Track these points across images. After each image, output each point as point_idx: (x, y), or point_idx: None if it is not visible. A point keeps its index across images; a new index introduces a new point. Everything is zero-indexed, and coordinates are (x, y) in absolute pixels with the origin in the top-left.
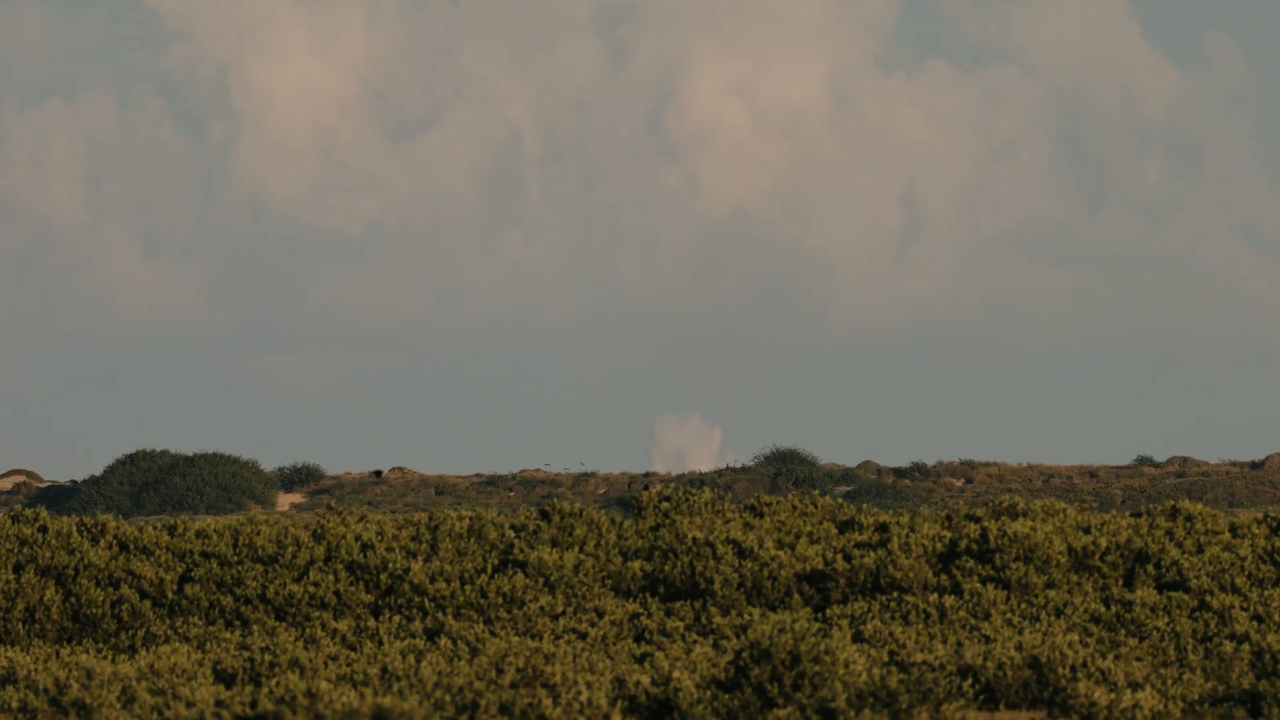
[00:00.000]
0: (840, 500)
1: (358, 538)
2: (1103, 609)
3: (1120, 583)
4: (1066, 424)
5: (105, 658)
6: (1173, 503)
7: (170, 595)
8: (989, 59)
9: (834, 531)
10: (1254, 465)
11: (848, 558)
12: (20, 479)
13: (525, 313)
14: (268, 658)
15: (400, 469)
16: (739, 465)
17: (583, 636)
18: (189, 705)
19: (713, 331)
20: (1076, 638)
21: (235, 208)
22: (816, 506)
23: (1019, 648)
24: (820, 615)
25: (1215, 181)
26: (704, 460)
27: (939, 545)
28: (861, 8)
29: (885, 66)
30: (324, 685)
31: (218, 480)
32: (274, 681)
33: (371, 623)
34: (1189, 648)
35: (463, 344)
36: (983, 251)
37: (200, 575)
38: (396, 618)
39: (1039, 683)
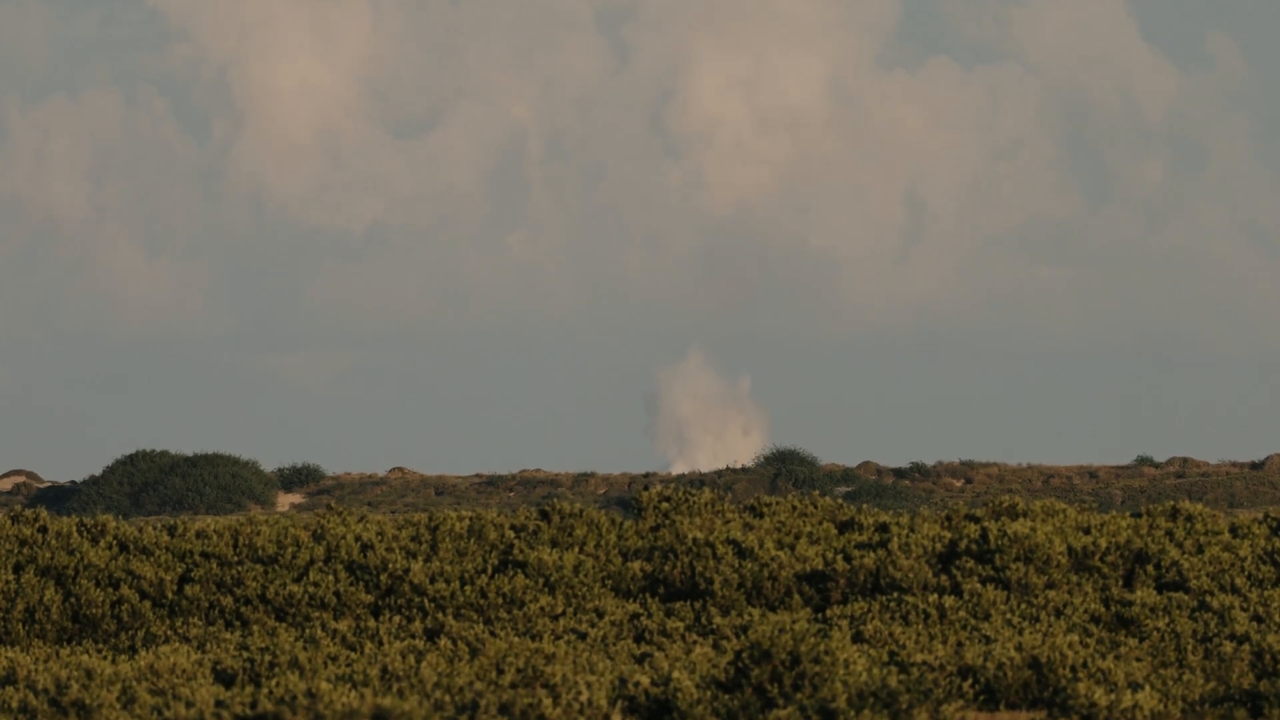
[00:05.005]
0: (840, 500)
1: (357, 538)
2: (1103, 609)
3: (1120, 583)
4: (1066, 424)
5: (105, 658)
6: (1173, 503)
7: (170, 595)
8: (990, 58)
9: (834, 532)
10: (1254, 465)
11: (848, 558)
12: (20, 479)
13: (527, 312)
14: (267, 658)
15: (400, 469)
16: (739, 465)
17: (583, 637)
18: (189, 705)
19: (714, 331)
20: (1076, 638)
21: (238, 207)
22: (816, 507)
23: (1019, 648)
24: (820, 615)
25: (1217, 180)
26: (732, 410)
27: (939, 545)
28: (862, 7)
29: (886, 65)
30: (324, 685)
31: (218, 480)
32: (274, 682)
33: (371, 623)
34: (1189, 648)
35: (464, 344)
36: (985, 251)
37: (200, 575)
38: (396, 618)
39: (1039, 683)
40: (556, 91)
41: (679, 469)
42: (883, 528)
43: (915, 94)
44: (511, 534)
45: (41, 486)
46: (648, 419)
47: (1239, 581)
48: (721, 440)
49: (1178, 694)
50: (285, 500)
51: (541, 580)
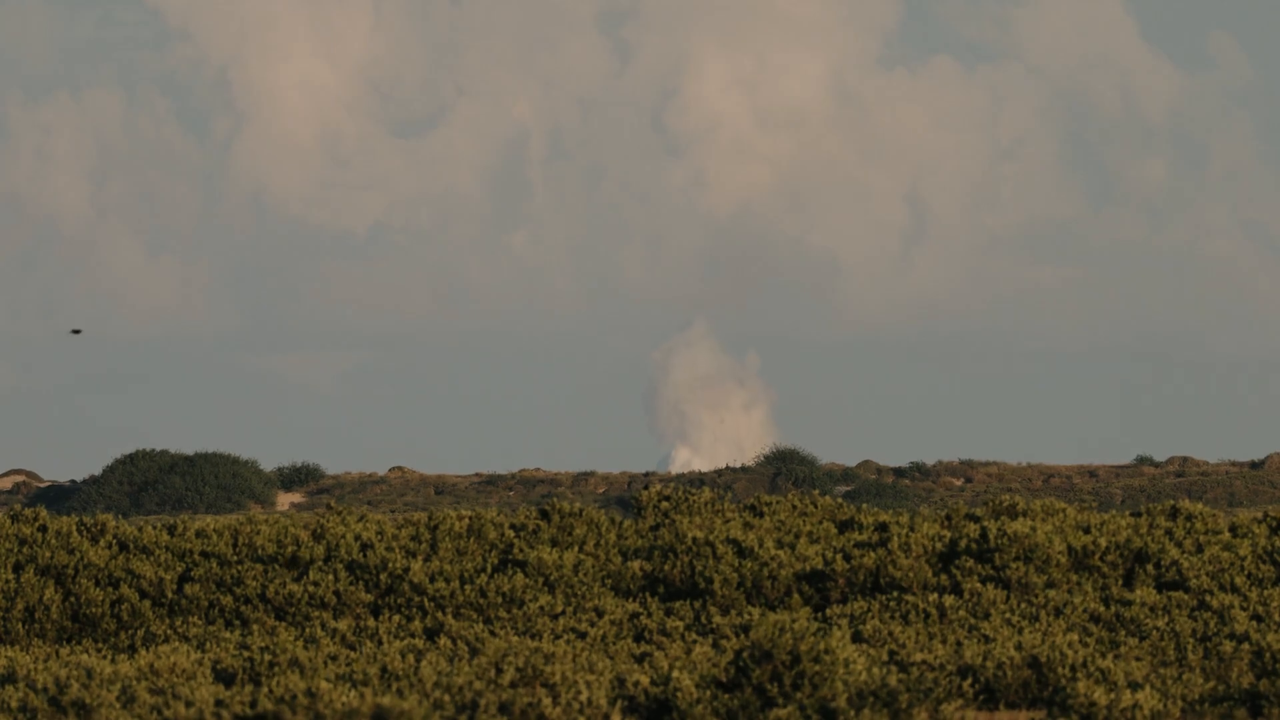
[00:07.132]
0: (840, 500)
1: (357, 537)
2: (1102, 609)
3: (1120, 582)
4: (1066, 424)
5: (105, 657)
6: (1172, 502)
7: (170, 595)
8: (991, 58)
9: (834, 531)
10: (1254, 465)
11: (847, 557)
12: (20, 479)
13: (527, 312)
14: (267, 657)
15: (400, 468)
16: (739, 465)
17: (582, 636)
18: (189, 705)
19: (715, 329)
20: (1076, 638)
21: (239, 206)
22: (816, 506)
23: (1019, 647)
24: (820, 615)
25: (1218, 180)
26: (733, 385)
27: (939, 545)
28: (864, 6)
29: (887, 64)
30: (324, 685)
31: (218, 480)
32: (274, 681)
33: (371, 622)
34: (1189, 647)
35: (464, 344)
36: (986, 250)
37: (200, 575)
38: (396, 617)
39: (1039, 682)
40: (558, 91)
41: (680, 449)
42: (882, 527)
43: (916, 94)
44: (511, 533)
45: (41, 486)
46: (647, 400)
47: (1239, 581)
48: (721, 418)
49: (1177, 693)
50: (285, 500)
51: (541, 579)
